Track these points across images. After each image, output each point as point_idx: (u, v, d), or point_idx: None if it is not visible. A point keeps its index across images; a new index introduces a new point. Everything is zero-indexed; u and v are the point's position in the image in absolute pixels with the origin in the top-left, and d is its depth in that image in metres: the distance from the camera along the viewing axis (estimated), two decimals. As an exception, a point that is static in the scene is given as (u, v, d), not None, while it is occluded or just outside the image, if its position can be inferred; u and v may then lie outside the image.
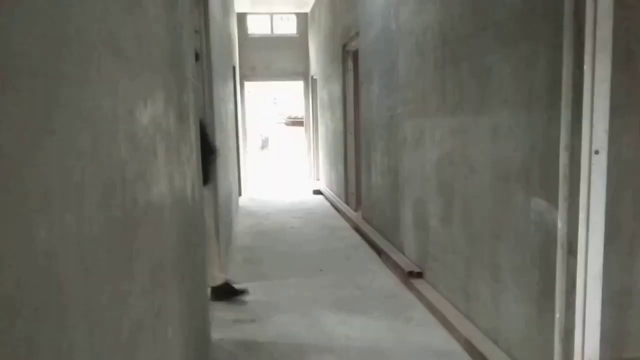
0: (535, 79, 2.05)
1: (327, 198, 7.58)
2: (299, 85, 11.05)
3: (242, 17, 10.11)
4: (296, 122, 20.97)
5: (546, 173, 2.00)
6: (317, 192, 8.43)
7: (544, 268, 2.05)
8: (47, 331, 0.69)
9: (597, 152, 1.84)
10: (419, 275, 3.54)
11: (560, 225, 1.93)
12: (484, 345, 2.46)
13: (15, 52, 0.64)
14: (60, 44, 0.78)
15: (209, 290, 3.08)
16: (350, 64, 6.37)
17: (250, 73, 10.17)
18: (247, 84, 10.40)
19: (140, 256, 1.18)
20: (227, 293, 3.32)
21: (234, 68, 7.31)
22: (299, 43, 10.57)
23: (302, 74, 10.61)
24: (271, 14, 10.54)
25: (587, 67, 1.79)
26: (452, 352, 2.60)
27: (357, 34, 5.50)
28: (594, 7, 1.77)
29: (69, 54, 0.82)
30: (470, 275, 2.76)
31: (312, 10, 9.57)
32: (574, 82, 1.84)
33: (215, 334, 2.79)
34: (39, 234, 0.67)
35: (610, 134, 2.25)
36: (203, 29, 3.46)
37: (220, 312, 3.13)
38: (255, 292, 3.46)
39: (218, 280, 3.28)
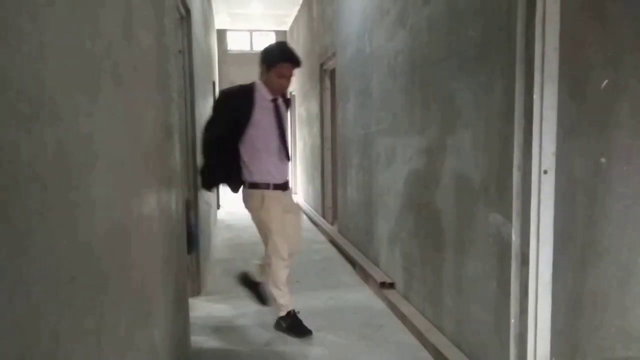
0: (492, 105, 2.26)
1: (304, 211, 7.73)
2: (277, 100, 11.22)
3: (222, 34, 10.28)
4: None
5: (502, 190, 2.20)
6: (295, 206, 8.56)
7: (501, 277, 2.24)
8: (70, 322, 0.82)
9: (545, 172, 2.04)
10: (391, 286, 3.71)
11: (514, 238, 2.13)
12: (448, 350, 2.63)
13: (37, 86, 0.79)
14: (75, 77, 0.93)
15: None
16: (327, 82, 6.57)
17: (230, 88, 10.30)
18: (226, 98, 10.52)
19: (133, 263, 1.32)
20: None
21: (213, 83, 7.45)
22: (277, 60, 10.77)
23: (281, 89, 10.79)
24: (251, 31, 10.74)
25: (536, 96, 2.00)
26: (420, 358, 2.76)
27: (333, 54, 5.72)
28: (542, 42, 1.99)
29: (82, 86, 0.96)
30: (437, 285, 2.94)
31: (291, 28, 9.80)
32: (525, 108, 2.05)
33: (195, 339, 2.90)
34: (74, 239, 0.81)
35: (563, 155, 2.47)
36: (186, 49, 3.61)
37: (199, 320, 3.24)
38: (233, 304, 3.57)
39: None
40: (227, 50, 10.47)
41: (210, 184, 3.23)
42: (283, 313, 3.07)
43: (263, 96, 2.98)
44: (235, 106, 2.95)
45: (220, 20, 9.35)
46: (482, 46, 2.34)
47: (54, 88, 0.82)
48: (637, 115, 2.57)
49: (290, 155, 3.12)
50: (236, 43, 10.80)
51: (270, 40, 10.97)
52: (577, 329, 2.65)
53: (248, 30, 10.69)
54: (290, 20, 9.55)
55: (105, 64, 1.13)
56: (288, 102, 3.23)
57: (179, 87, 3.03)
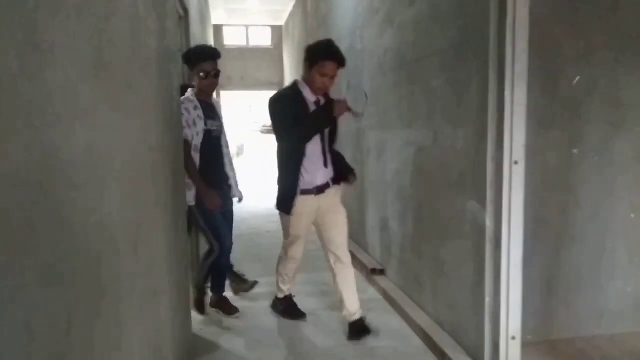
0: (469, 101, 2.44)
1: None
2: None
3: (218, 29, 10.42)
4: (271, 131, 21.27)
5: (478, 180, 2.39)
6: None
7: (477, 260, 2.43)
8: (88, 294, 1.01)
9: (516, 163, 2.22)
10: (382, 272, 3.91)
11: (489, 224, 2.32)
12: (432, 329, 2.84)
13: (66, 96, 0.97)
14: (100, 87, 1.11)
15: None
16: (322, 77, 6.72)
17: (227, 83, 10.48)
18: (223, 93, 10.70)
19: (143, 248, 1.51)
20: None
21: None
22: (273, 54, 10.93)
23: (277, 84, 10.96)
24: (247, 26, 10.88)
25: (507, 93, 2.19)
26: (407, 336, 2.96)
27: (327, 50, 5.87)
28: (513, 44, 2.17)
29: (104, 93, 1.15)
30: (422, 270, 3.14)
31: (287, 23, 9.94)
32: (498, 104, 2.23)
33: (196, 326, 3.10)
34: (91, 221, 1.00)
35: (537, 146, 2.67)
36: (185, 47, 3.78)
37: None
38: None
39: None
40: (223, 45, 10.61)
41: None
42: (281, 295, 3.28)
43: (306, 96, 2.86)
44: (294, 111, 2.80)
45: (217, 16, 9.49)
46: (460, 46, 2.52)
47: (87, 101, 1.00)
48: (607, 110, 2.77)
49: (328, 159, 2.91)
50: (233, 38, 10.94)
51: (267, 35, 11.12)
52: (551, 308, 2.86)
53: (244, 25, 10.83)
54: (285, 16, 9.70)
55: (119, 72, 1.31)
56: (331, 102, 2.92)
57: (178, 84, 3.19)
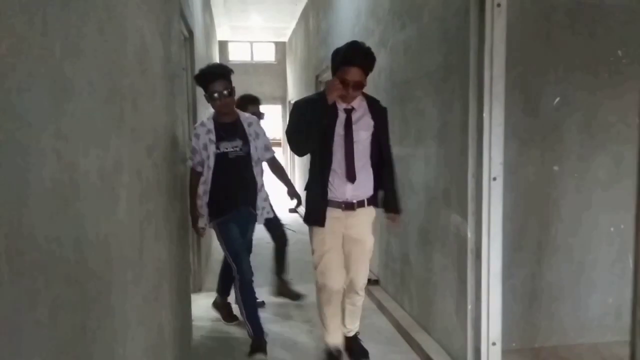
0: (452, 121, 2.61)
1: (301, 215, 8.06)
2: (277, 108, 11.62)
3: (223, 45, 10.68)
4: (274, 143, 21.65)
5: (460, 194, 2.55)
6: (293, 210, 8.92)
7: (460, 270, 2.59)
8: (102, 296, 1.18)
9: (495, 179, 2.38)
10: (376, 282, 4.06)
11: (470, 235, 2.48)
12: (419, 334, 2.98)
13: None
14: (113, 115, 1.29)
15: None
16: (322, 93, 6.92)
17: (231, 97, 10.71)
18: (227, 107, 10.92)
19: (147, 253, 1.68)
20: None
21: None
22: (277, 69, 11.18)
23: (280, 98, 11.20)
24: (251, 42, 11.15)
25: (486, 114, 2.36)
26: (395, 341, 3.11)
27: (327, 67, 6.08)
28: (490, 69, 2.34)
29: (114, 117, 1.33)
30: (411, 279, 3.29)
31: (290, 40, 10.19)
32: (477, 124, 2.40)
33: (196, 327, 3.25)
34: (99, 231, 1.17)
35: (520, 163, 2.83)
36: (189, 66, 3.98)
37: (200, 311, 3.59)
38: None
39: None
40: (228, 60, 10.87)
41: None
42: (323, 345, 2.85)
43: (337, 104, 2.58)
44: (311, 116, 2.51)
45: (222, 32, 9.75)
46: (444, 70, 2.70)
47: (101, 128, 1.18)
48: (586, 129, 2.93)
49: (355, 174, 2.55)
50: (237, 53, 11.21)
51: (271, 50, 11.37)
52: (535, 317, 3.00)
53: (249, 42, 11.10)
54: (289, 33, 9.95)
55: (128, 97, 1.49)
56: (376, 111, 2.63)
57: (182, 103, 3.37)
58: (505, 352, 2.58)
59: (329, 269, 2.61)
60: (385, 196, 2.68)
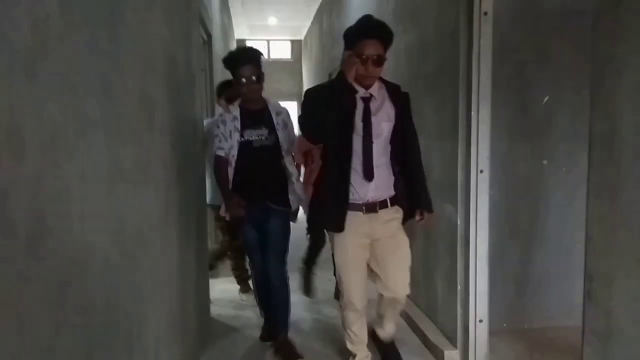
0: (445, 118, 2.86)
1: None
2: (293, 105, 11.91)
3: (241, 43, 10.99)
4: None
5: (452, 185, 2.79)
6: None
7: (452, 255, 2.83)
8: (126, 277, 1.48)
9: (482, 171, 2.62)
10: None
11: (460, 223, 2.72)
12: (416, 314, 3.24)
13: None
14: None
15: None
16: (335, 91, 7.17)
17: (248, 94, 11.02)
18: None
19: (170, 232, 1.97)
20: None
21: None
22: (293, 67, 11.46)
23: (296, 94, 11.48)
24: (268, 40, 11.45)
25: (473, 113, 2.59)
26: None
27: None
28: (478, 71, 2.58)
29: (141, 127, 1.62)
30: (412, 265, 3.54)
31: (305, 38, 10.46)
32: (466, 122, 2.64)
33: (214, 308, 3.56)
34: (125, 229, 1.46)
35: (510, 157, 3.07)
36: (208, 67, 4.28)
37: (218, 293, 3.90)
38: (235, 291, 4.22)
39: None
40: (246, 58, 11.20)
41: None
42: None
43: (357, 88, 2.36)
44: (325, 103, 2.31)
45: (240, 31, 10.06)
46: (439, 72, 2.94)
47: (136, 127, 1.47)
48: (574, 126, 3.14)
49: (373, 172, 2.34)
50: (255, 51, 11.52)
51: (287, 48, 11.66)
52: (524, 301, 3.24)
53: (266, 40, 11.40)
54: (304, 31, 10.22)
55: (155, 99, 1.78)
56: (397, 97, 2.42)
57: (200, 101, 3.64)
58: (496, 333, 2.82)
59: (355, 287, 2.42)
60: (414, 195, 2.45)
